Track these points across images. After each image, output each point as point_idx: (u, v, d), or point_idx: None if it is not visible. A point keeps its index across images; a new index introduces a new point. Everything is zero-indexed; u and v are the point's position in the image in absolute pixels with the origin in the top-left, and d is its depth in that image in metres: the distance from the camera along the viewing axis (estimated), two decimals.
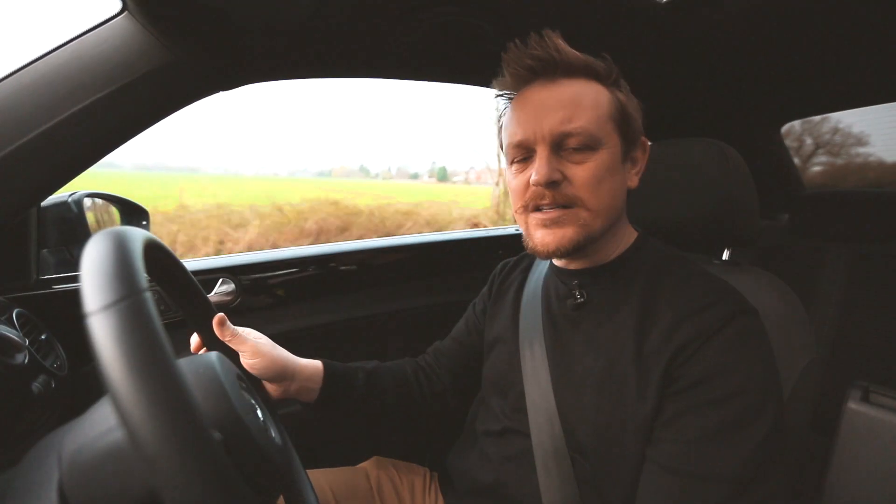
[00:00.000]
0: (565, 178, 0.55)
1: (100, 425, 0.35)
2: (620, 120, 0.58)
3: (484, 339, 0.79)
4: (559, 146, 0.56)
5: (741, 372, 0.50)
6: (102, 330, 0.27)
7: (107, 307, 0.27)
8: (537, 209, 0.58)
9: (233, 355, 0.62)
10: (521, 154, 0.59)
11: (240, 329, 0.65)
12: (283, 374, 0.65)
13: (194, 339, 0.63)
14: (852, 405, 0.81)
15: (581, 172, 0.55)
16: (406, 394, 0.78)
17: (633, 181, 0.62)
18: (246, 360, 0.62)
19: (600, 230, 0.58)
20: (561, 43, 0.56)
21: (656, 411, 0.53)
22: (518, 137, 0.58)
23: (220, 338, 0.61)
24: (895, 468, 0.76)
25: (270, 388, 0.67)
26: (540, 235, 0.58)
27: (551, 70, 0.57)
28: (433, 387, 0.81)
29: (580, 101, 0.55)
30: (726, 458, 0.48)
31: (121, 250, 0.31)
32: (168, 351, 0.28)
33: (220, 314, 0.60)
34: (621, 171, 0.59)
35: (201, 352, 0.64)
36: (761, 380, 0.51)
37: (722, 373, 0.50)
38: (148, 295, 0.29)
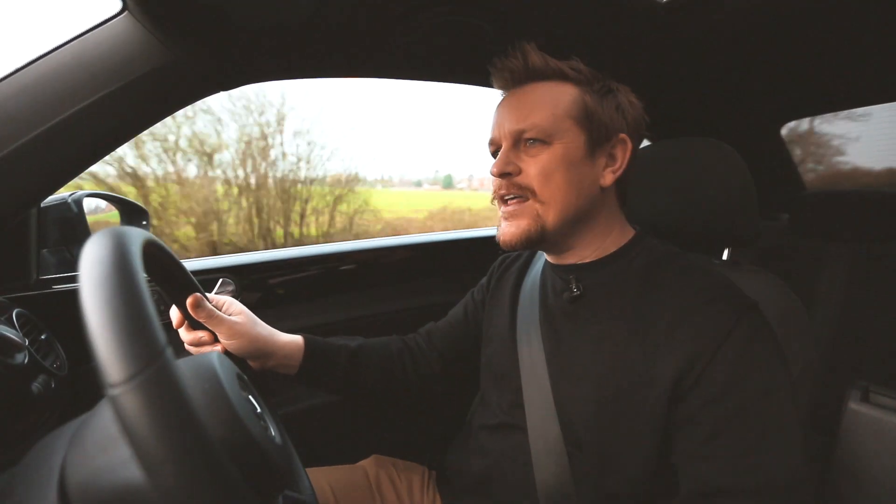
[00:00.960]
0: (521, 170, 0.61)
1: (111, 452, 0.33)
2: (583, 117, 0.60)
3: (481, 332, 0.80)
4: (518, 142, 0.62)
5: (764, 370, 0.50)
6: (129, 407, 0.25)
7: (130, 379, 0.26)
8: (503, 201, 0.63)
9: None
10: (493, 151, 0.66)
11: (222, 298, 0.67)
12: (260, 353, 0.67)
13: (174, 315, 0.63)
14: (853, 405, 0.81)
15: (534, 164, 0.60)
16: (389, 374, 0.79)
17: (607, 179, 0.62)
18: (223, 341, 0.64)
19: (555, 223, 0.60)
20: (531, 52, 0.62)
21: (666, 409, 0.52)
22: (490, 136, 0.66)
23: (196, 319, 0.61)
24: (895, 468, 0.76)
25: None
26: (503, 227, 0.63)
27: (521, 78, 0.63)
28: (419, 369, 0.82)
29: (538, 101, 0.61)
30: (775, 464, 0.47)
31: (128, 290, 0.29)
32: (199, 419, 0.27)
33: (195, 294, 0.60)
34: (584, 166, 0.61)
35: (193, 342, 0.64)
36: (783, 374, 0.51)
37: (747, 376, 0.49)
38: (169, 352, 0.28)
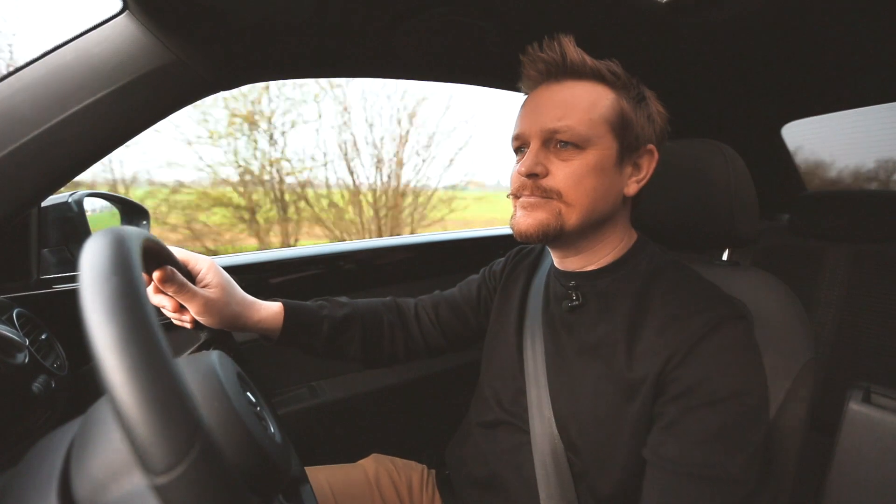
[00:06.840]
0: (549, 172, 0.59)
1: (124, 482, 0.32)
2: (618, 124, 0.59)
3: (489, 318, 0.79)
4: (549, 142, 0.59)
5: (740, 374, 0.50)
6: (178, 497, 0.24)
7: (172, 468, 0.24)
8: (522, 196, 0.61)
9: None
10: (518, 146, 0.64)
11: (203, 262, 0.63)
12: (233, 327, 0.66)
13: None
14: (853, 406, 0.81)
15: (564, 168, 0.58)
16: (375, 347, 0.78)
17: (631, 188, 0.62)
18: (193, 314, 0.62)
19: (575, 225, 0.59)
20: (570, 47, 0.59)
21: (649, 413, 0.53)
22: (516, 131, 0.63)
23: (164, 292, 0.59)
24: None
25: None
26: (518, 216, 0.61)
27: (557, 72, 0.60)
28: (411, 343, 0.81)
29: (575, 102, 0.58)
30: (729, 459, 0.48)
31: (158, 365, 0.25)
32: (241, 484, 0.27)
33: (166, 266, 0.56)
34: (614, 174, 0.60)
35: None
36: (758, 384, 0.51)
37: (720, 374, 0.50)
38: (206, 426, 0.26)
